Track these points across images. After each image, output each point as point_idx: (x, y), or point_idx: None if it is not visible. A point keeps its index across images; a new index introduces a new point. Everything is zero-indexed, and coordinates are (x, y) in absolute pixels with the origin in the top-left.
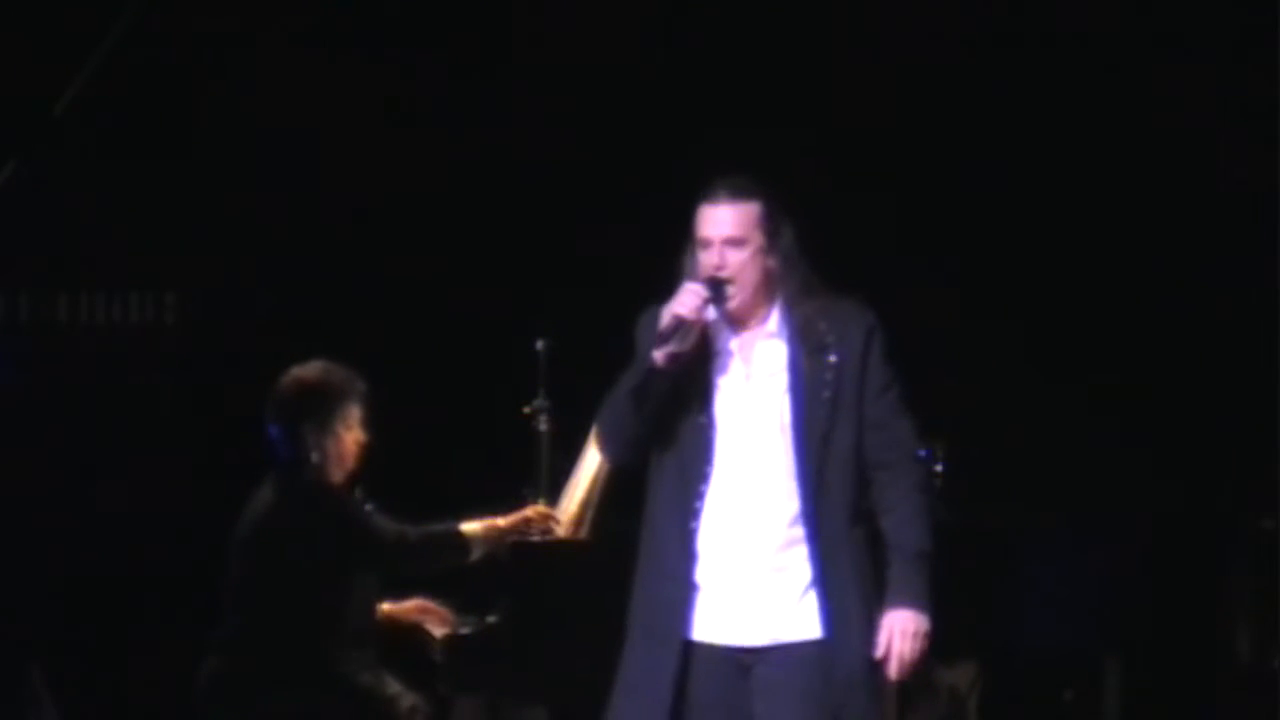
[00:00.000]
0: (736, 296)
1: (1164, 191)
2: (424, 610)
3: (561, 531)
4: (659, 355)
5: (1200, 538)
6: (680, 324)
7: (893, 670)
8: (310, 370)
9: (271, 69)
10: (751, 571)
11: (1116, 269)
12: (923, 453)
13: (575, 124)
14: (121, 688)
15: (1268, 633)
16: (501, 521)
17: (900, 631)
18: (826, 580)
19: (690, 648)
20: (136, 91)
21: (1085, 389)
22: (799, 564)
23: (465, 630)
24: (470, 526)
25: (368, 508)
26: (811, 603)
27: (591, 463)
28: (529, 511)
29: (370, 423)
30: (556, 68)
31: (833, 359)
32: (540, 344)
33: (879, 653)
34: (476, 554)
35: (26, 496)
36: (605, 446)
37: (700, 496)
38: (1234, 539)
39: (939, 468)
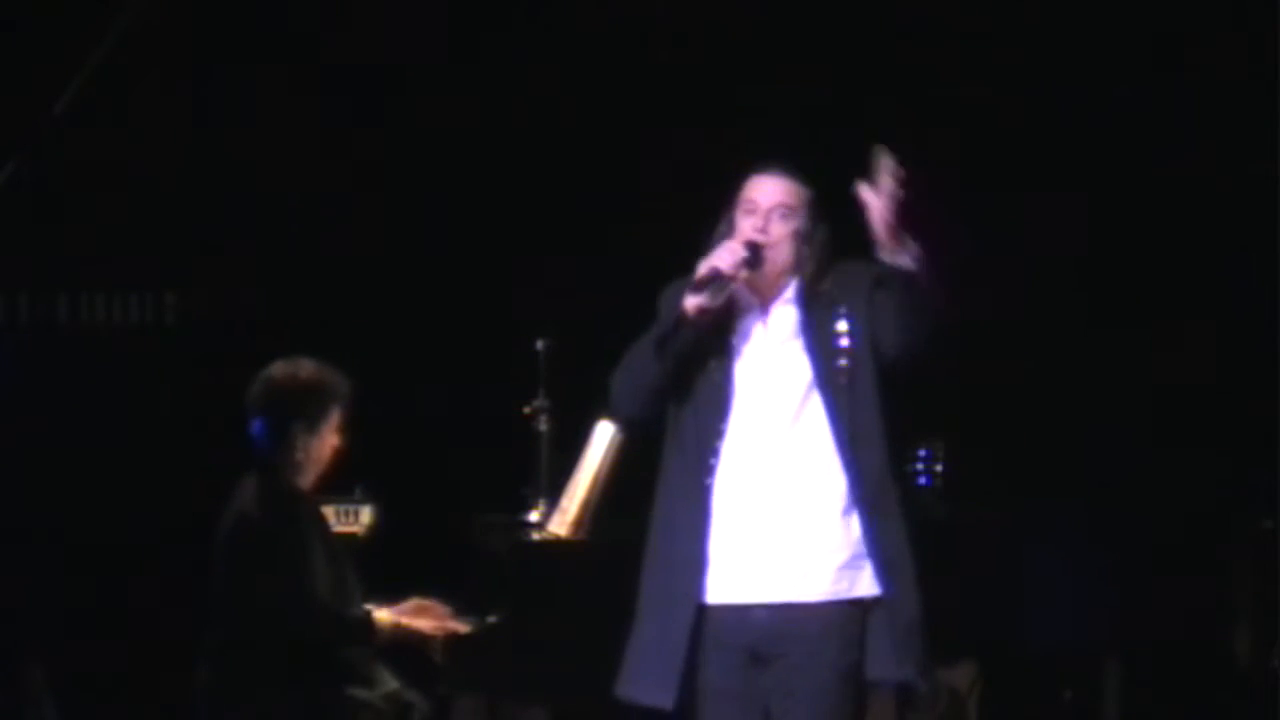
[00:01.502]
0: (766, 266)
1: (1163, 192)
2: (421, 610)
3: (562, 531)
4: (689, 304)
5: (1200, 538)
6: (716, 277)
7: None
8: (305, 368)
9: (271, 68)
10: (769, 528)
11: (1116, 267)
12: (923, 452)
13: (577, 123)
14: (121, 688)
15: (1268, 633)
16: (406, 620)
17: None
18: (876, 531)
19: (704, 612)
20: (136, 91)
21: (1085, 388)
22: (820, 523)
23: (465, 630)
24: (382, 615)
25: (365, 508)
26: (842, 558)
27: (592, 463)
28: (431, 623)
29: (355, 424)
30: (559, 66)
31: (843, 310)
32: (540, 344)
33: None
34: (380, 642)
35: (26, 496)
36: (620, 401)
37: (715, 453)
38: (1234, 539)
39: (939, 468)
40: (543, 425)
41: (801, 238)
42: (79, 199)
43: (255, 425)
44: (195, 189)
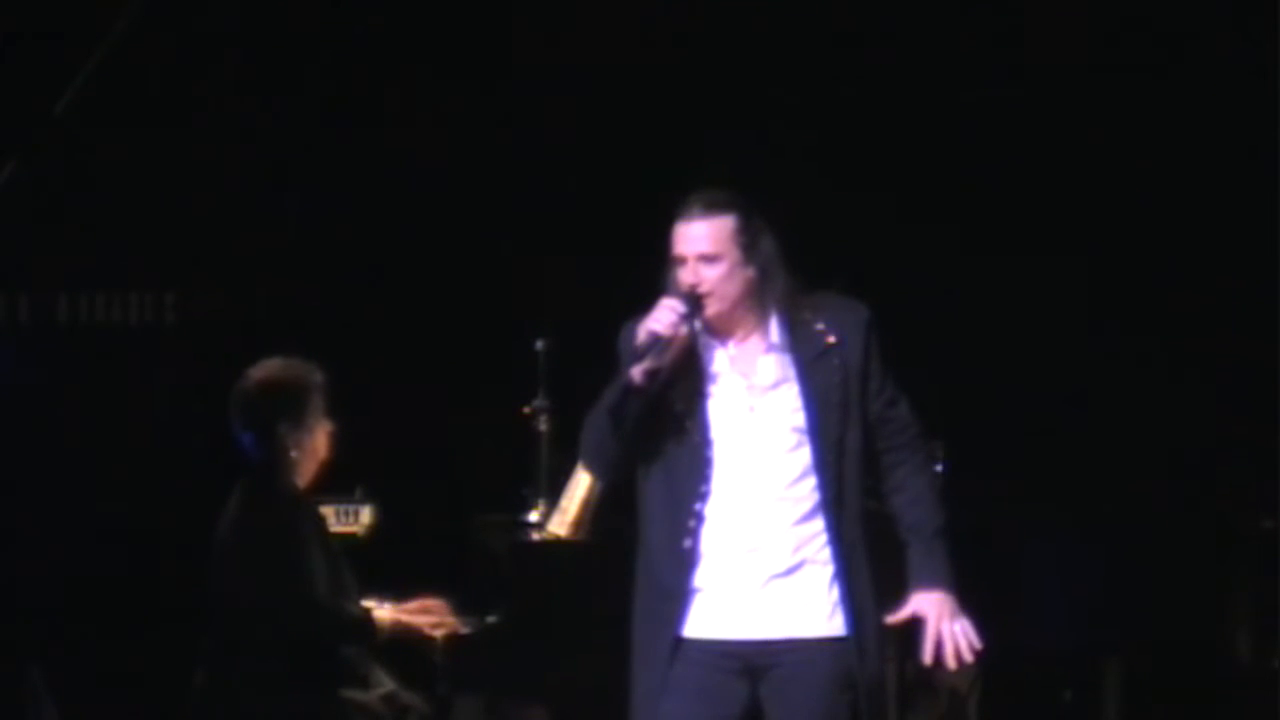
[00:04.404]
0: (714, 308)
1: (1165, 192)
2: (423, 609)
3: (562, 531)
4: (636, 373)
5: (1200, 538)
6: (656, 340)
7: (950, 660)
8: (273, 368)
9: (271, 68)
10: (761, 577)
11: (1117, 269)
12: None
13: (576, 123)
14: (121, 688)
15: (1268, 633)
16: (406, 618)
17: (947, 614)
18: (849, 580)
19: (684, 644)
20: (136, 91)
21: (1086, 389)
22: (813, 562)
23: (465, 630)
24: (381, 614)
25: (365, 508)
26: (831, 599)
27: None
28: (431, 619)
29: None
30: (558, 67)
31: (837, 362)
32: (540, 344)
33: (928, 646)
34: (380, 640)
35: (26, 496)
36: (588, 465)
37: (695, 515)
38: (1234, 539)
39: (939, 468)
40: (543, 425)
41: (741, 266)
42: (79, 199)
43: (244, 439)
44: (195, 189)
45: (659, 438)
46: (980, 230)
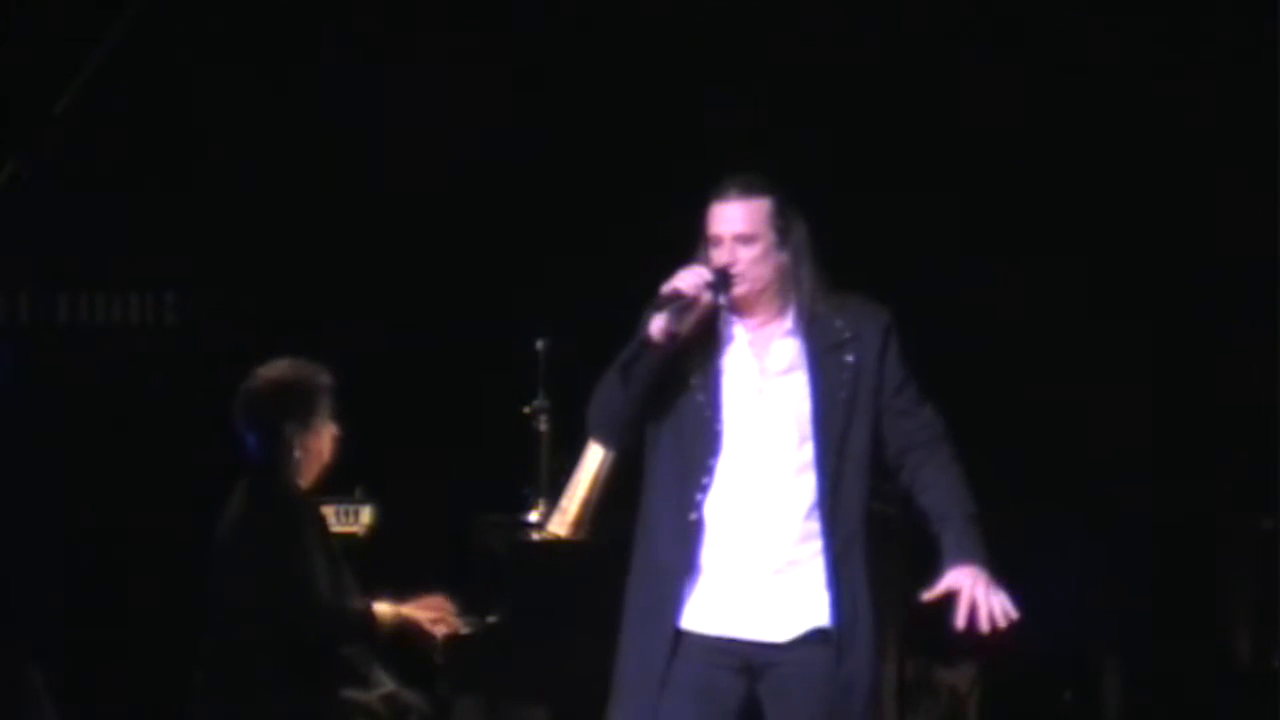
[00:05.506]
0: (744, 288)
1: (1164, 192)
2: (427, 605)
3: (562, 531)
4: (654, 328)
5: (1200, 538)
6: (677, 298)
7: (985, 622)
8: (282, 369)
9: (270, 68)
10: (764, 567)
11: (1118, 268)
12: None
13: (575, 122)
14: (121, 688)
15: (1268, 633)
16: (408, 610)
17: (982, 582)
18: (839, 576)
19: (683, 638)
20: (136, 91)
21: (1086, 389)
22: (811, 558)
23: (465, 630)
24: (383, 609)
25: (365, 508)
26: (827, 598)
27: (592, 462)
28: (433, 614)
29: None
30: (556, 65)
31: (850, 359)
32: (540, 344)
33: (962, 609)
34: (382, 637)
35: (26, 497)
36: (593, 426)
37: (702, 490)
38: (1234, 539)
39: None
40: (543, 425)
41: (775, 249)
42: (79, 199)
43: (248, 439)
44: (195, 189)
45: (670, 404)
46: (982, 229)
